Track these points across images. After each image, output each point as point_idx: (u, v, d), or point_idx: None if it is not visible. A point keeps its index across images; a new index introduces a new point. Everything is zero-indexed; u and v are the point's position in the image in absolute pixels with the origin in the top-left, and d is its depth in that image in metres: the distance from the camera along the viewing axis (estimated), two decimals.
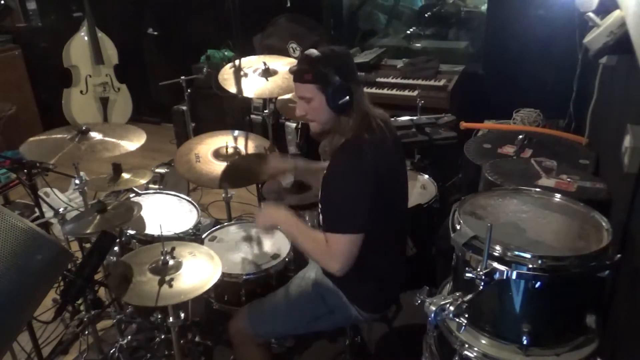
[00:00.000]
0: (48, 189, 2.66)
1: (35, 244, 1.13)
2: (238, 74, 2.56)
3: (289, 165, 2.10)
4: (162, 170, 3.07)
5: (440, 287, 1.65)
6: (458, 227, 1.44)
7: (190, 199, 2.48)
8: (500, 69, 3.37)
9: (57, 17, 4.82)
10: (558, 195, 1.60)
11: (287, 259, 2.13)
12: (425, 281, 1.48)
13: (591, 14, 1.74)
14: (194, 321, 2.30)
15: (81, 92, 4.47)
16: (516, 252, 1.29)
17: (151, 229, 2.24)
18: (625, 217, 1.61)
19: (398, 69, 3.56)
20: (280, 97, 2.79)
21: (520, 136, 2.38)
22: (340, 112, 1.62)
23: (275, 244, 2.24)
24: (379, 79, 3.48)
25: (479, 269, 1.26)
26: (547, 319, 1.37)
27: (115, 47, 4.55)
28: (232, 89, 2.53)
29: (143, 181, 2.28)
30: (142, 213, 2.11)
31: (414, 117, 2.89)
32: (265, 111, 3.13)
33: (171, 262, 1.76)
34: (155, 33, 4.87)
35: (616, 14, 1.58)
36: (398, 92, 3.38)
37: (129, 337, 2.34)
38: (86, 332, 2.40)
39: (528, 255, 1.28)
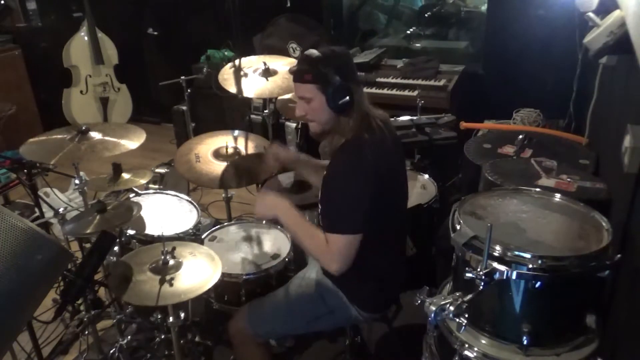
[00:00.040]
0: (48, 189, 2.66)
1: (35, 244, 1.13)
2: (238, 74, 2.57)
3: (292, 155, 2.07)
4: (162, 170, 3.07)
5: (440, 287, 1.65)
6: (458, 227, 1.44)
7: (190, 199, 2.48)
8: (500, 69, 3.37)
9: (57, 17, 4.82)
10: (558, 195, 1.60)
11: (287, 259, 2.13)
12: (425, 281, 1.48)
13: (591, 14, 1.74)
14: (194, 321, 2.30)
15: (81, 92, 4.47)
16: (516, 252, 1.29)
17: (151, 229, 2.24)
18: (625, 217, 1.61)
19: (398, 69, 3.56)
20: (280, 97, 2.79)
21: (520, 136, 2.38)
22: (340, 113, 1.62)
23: (275, 244, 2.24)
24: (379, 79, 3.48)
25: (479, 269, 1.26)
26: (547, 319, 1.37)
27: (115, 47, 4.55)
28: (232, 89, 2.53)
29: (143, 181, 2.27)
30: (142, 213, 2.11)
31: (414, 117, 2.89)
32: (265, 111, 3.13)
33: (171, 262, 1.76)
34: (155, 33, 4.87)
35: (616, 14, 1.58)
36: (398, 92, 3.38)
37: (129, 337, 2.34)
38: (86, 332, 2.40)
39: (528, 255, 1.28)
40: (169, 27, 4.81)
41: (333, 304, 1.78)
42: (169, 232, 2.17)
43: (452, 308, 1.24)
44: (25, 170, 2.12)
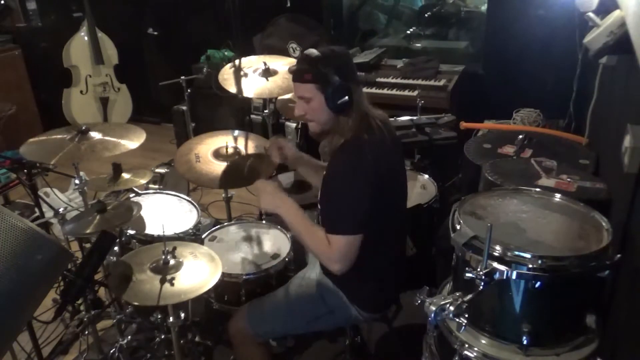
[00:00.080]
0: (48, 189, 2.66)
1: (35, 244, 1.13)
2: (238, 74, 2.56)
3: (295, 152, 2.03)
4: (162, 170, 3.07)
5: (440, 287, 1.65)
6: (458, 227, 1.44)
7: (190, 199, 2.48)
8: (500, 69, 3.37)
9: (57, 17, 4.82)
10: (558, 195, 1.60)
11: (287, 259, 2.13)
12: (425, 281, 1.48)
13: (591, 14, 1.74)
14: (194, 321, 2.30)
15: (81, 92, 4.47)
16: (516, 252, 1.29)
17: (151, 229, 2.24)
18: (625, 217, 1.61)
19: (398, 69, 3.56)
20: (280, 97, 2.79)
21: (520, 136, 2.38)
22: (340, 112, 1.62)
23: (275, 244, 2.24)
24: (379, 79, 3.48)
25: (479, 269, 1.26)
26: (547, 319, 1.37)
27: (115, 47, 4.55)
28: (232, 89, 2.53)
29: (143, 181, 2.27)
30: (142, 213, 2.11)
31: (414, 117, 2.89)
32: (265, 111, 3.13)
33: (172, 262, 1.76)
34: (155, 33, 4.87)
35: (616, 14, 1.58)
36: (398, 92, 3.38)
37: (129, 337, 2.34)
38: (86, 332, 2.40)
39: (528, 255, 1.28)
40: (169, 27, 4.81)
41: (333, 304, 1.78)
42: (169, 232, 2.17)
43: (452, 308, 1.24)
44: (25, 170, 2.12)
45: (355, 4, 4.44)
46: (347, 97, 1.59)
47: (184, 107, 3.71)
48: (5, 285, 1.07)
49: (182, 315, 1.88)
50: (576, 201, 1.56)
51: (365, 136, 1.61)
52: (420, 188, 2.53)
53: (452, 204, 1.55)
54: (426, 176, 2.62)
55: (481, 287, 1.26)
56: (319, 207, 1.76)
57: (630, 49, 1.28)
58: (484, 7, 3.86)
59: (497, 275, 1.28)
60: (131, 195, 2.53)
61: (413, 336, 1.83)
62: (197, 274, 1.74)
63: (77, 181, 2.18)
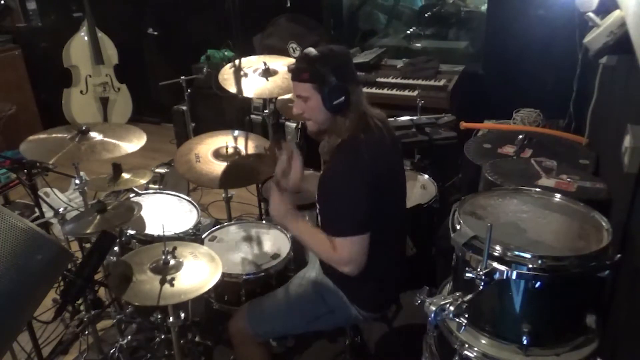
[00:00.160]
0: (48, 189, 2.66)
1: (35, 244, 1.13)
2: (238, 74, 2.57)
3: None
4: (162, 170, 3.07)
5: (440, 287, 1.65)
6: (458, 227, 1.44)
7: (190, 199, 2.48)
8: (500, 69, 3.36)
9: (57, 17, 4.82)
10: (558, 195, 1.60)
11: (287, 259, 2.13)
12: (425, 281, 1.48)
13: (591, 14, 1.74)
14: (194, 321, 2.30)
15: (81, 92, 4.46)
16: (516, 252, 1.29)
17: (151, 229, 2.24)
18: (625, 217, 1.61)
19: (398, 69, 3.56)
20: (280, 97, 2.79)
21: (520, 136, 2.38)
22: (336, 113, 1.62)
23: (275, 244, 2.24)
24: (379, 79, 3.48)
25: (479, 269, 1.26)
26: (547, 319, 1.37)
27: (115, 47, 4.55)
28: (232, 89, 2.53)
29: (143, 181, 2.28)
30: (142, 213, 2.11)
31: (414, 117, 2.89)
32: (265, 111, 3.13)
33: (172, 262, 1.76)
34: (155, 33, 4.87)
35: (616, 14, 1.58)
36: (398, 92, 3.38)
37: (129, 337, 2.34)
38: (86, 332, 2.40)
39: (528, 255, 1.28)
40: (169, 27, 4.81)
41: (333, 304, 1.78)
42: (169, 232, 2.17)
43: (452, 308, 1.24)
44: (25, 170, 2.12)
45: (355, 4, 4.44)
46: (343, 98, 1.58)
47: (184, 107, 3.71)
48: (5, 285, 1.07)
49: (182, 315, 1.88)
50: (576, 201, 1.56)
51: (362, 136, 1.61)
52: (420, 188, 2.53)
53: (452, 204, 1.55)
54: (426, 176, 2.62)
55: (481, 287, 1.26)
56: (317, 207, 1.76)
57: (630, 49, 1.28)
58: (484, 7, 3.86)
59: (497, 275, 1.28)
60: (131, 195, 2.54)
61: (413, 336, 1.83)
62: (197, 274, 1.74)
63: (77, 181, 2.18)
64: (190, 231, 2.24)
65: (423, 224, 2.42)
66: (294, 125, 3.60)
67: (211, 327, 2.33)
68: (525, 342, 1.33)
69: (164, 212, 2.40)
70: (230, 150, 2.43)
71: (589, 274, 1.32)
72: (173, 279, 1.70)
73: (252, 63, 2.64)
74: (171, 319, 1.80)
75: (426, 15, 4.27)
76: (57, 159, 1.94)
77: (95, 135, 2.09)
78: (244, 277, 2.03)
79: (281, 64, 2.63)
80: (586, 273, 1.31)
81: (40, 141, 2.07)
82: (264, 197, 2.52)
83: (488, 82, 3.45)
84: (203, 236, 2.27)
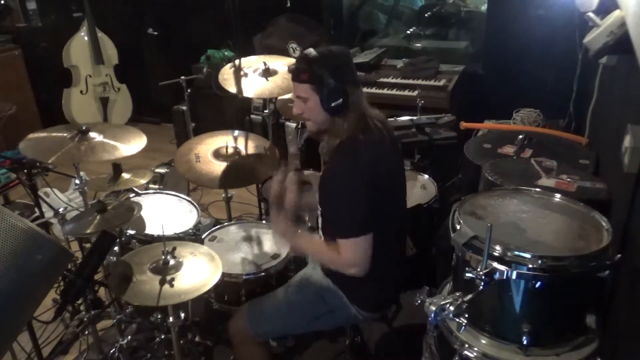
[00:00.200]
0: (48, 189, 2.66)
1: (35, 244, 1.13)
2: (238, 74, 2.56)
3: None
4: (162, 170, 3.07)
5: (440, 287, 1.65)
6: (458, 227, 1.44)
7: (190, 199, 2.48)
8: (500, 69, 3.36)
9: (57, 17, 4.82)
10: (558, 195, 1.60)
11: (287, 259, 2.13)
12: (425, 281, 1.48)
13: (591, 14, 1.74)
14: (194, 321, 2.30)
15: (81, 92, 4.46)
16: (516, 252, 1.29)
17: (151, 229, 2.24)
18: (625, 217, 1.61)
19: (398, 69, 3.56)
20: (280, 97, 2.79)
21: (520, 136, 2.38)
22: (335, 114, 1.62)
23: (275, 244, 2.24)
24: (379, 79, 3.48)
25: (479, 269, 1.26)
26: (547, 319, 1.37)
27: (115, 47, 4.55)
28: (232, 89, 2.53)
29: (143, 181, 2.28)
30: (142, 213, 2.11)
31: (414, 117, 2.89)
32: (265, 111, 3.13)
33: (172, 262, 1.76)
34: (155, 33, 4.87)
35: (616, 14, 1.58)
36: (398, 92, 3.38)
37: (129, 337, 2.34)
38: (86, 332, 2.39)
39: (528, 255, 1.28)
40: (169, 27, 4.81)
41: (333, 304, 1.78)
42: (168, 232, 2.17)
43: (452, 308, 1.24)
44: (25, 170, 2.12)
45: (355, 4, 4.44)
46: (341, 100, 1.59)
47: (184, 107, 3.71)
48: (5, 285, 1.07)
49: (182, 315, 1.88)
50: (576, 201, 1.56)
51: (361, 137, 1.61)
52: (420, 188, 2.53)
53: (452, 204, 1.55)
54: (426, 176, 2.62)
55: (481, 287, 1.26)
56: (319, 207, 1.76)
57: (630, 49, 1.28)
58: (484, 7, 3.86)
59: (497, 275, 1.28)
60: (131, 195, 2.54)
61: (413, 336, 1.83)
62: (197, 274, 1.74)
63: (77, 181, 2.18)
64: (190, 231, 2.24)
65: (423, 224, 2.42)
66: (293, 125, 3.60)
67: (211, 327, 2.33)
68: (525, 342, 1.33)
69: (164, 212, 2.39)
70: (230, 150, 2.43)
71: (589, 274, 1.32)
72: (173, 279, 1.70)
73: (252, 63, 2.64)
74: (171, 319, 1.80)
75: (426, 15, 4.27)
76: (56, 158, 1.93)
77: (95, 136, 2.08)
78: (244, 277, 2.03)
79: (281, 64, 2.63)
80: (586, 273, 1.31)
81: (39, 140, 2.07)
82: (264, 197, 2.52)
83: (488, 82, 3.45)
84: (203, 236, 2.27)
